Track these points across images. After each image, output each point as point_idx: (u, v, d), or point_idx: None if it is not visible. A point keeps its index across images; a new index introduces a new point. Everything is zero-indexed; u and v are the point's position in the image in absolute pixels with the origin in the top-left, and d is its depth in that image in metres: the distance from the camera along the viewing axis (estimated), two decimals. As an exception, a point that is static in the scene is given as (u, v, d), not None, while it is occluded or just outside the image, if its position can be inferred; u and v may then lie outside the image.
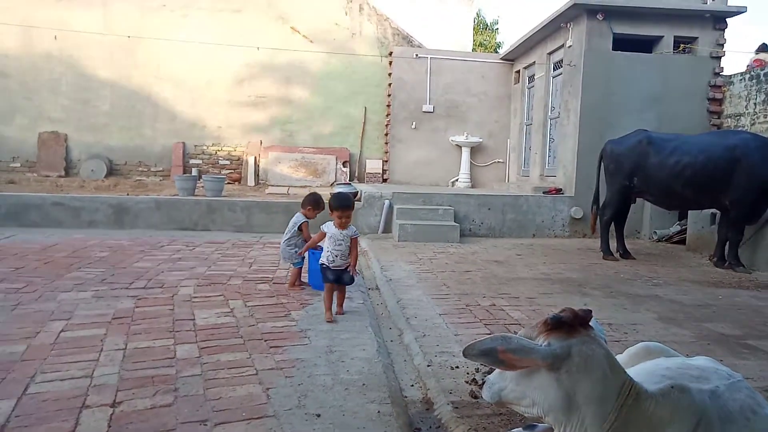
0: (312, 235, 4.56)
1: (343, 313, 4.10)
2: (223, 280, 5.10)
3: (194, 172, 12.16)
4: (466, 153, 12.41)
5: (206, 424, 2.37)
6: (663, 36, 9.29)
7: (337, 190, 9.47)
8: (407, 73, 12.46)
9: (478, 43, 24.32)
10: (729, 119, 9.22)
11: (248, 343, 3.41)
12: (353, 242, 4.13)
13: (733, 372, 1.97)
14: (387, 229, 8.74)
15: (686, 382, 1.79)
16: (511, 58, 12.52)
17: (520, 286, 5.44)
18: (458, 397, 2.80)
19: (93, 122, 12.38)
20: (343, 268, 4.09)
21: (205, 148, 12.75)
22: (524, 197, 9.24)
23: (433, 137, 12.58)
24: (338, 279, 4.09)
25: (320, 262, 4.13)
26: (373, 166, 12.94)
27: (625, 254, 7.35)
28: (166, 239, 7.33)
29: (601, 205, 7.58)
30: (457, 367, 3.20)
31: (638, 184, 7.13)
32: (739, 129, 8.74)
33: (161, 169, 12.62)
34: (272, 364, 3.06)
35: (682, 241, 8.38)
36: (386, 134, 12.83)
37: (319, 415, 2.49)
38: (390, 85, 12.64)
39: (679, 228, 8.70)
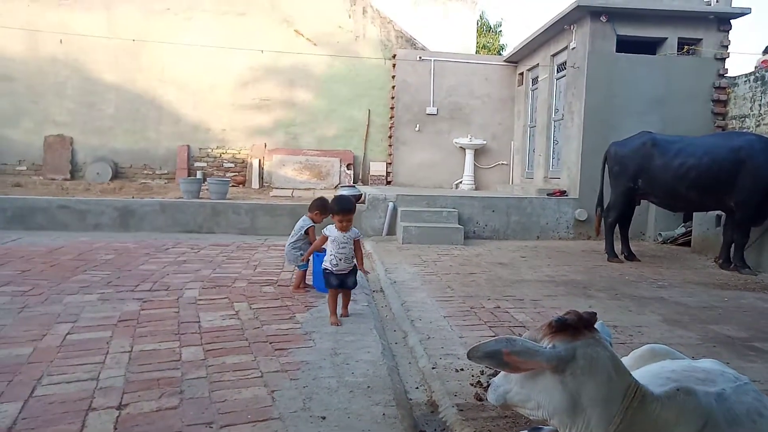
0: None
1: (348, 315, 4.09)
2: (228, 282, 5.11)
3: (199, 174, 12.19)
4: (469, 155, 12.40)
5: (212, 427, 2.38)
6: (667, 38, 9.28)
7: (341, 192, 9.48)
8: (411, 76, 12.47)
9: (481, 46, 24.33)
10: (733, 121, 9.19)
11: (253, 345, 3.41)
12: (356, 243, 4.11)
13: (739, 375, 1.97)
14: (391, 231, 8.75)
15: (692, 385, 1.79)
16: (514, 60, 12.52)
17: (524, 288, 5.44)
18: (463, 399, 2.80)
19: (98, 125, 12.43)
20: (347, 271, 4.05)
21: (209, 150, 12.78)
22: (528, 199, 9.23)
23: (436, 139, 12.58)
24: (342, 283, 4.05)
25: (323, 266, 4.08)
26: (377, 168, 12.95)
27: (630, 256, 7.33)
28: (171, 242, 7.35)
29: (605, 207, 7.56)
30: (462, 369, 3.20)
31: (643, 186, 7.12)
32: (744, 130, 8.72)
33: (166, 171, 12.66)
34: (277, 367, 3.07)
35: (687, 243, 8.36)
36: (390, 137, 12.84)
37: (324, 418, 2.50)
38: (393, 87, 12.65)
39: (684, 230, 8.68)
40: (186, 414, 2.48)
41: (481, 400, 2.77)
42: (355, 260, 4.11)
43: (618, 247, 7.44)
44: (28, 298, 4.28)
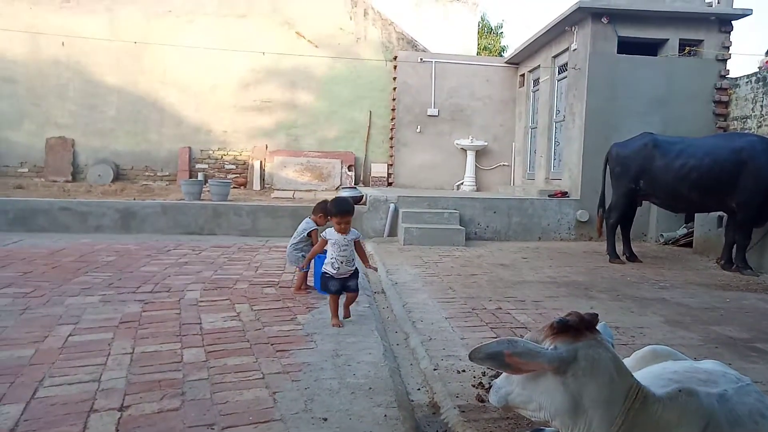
0: None
1: (349, 316, 4.05)
2: (229, 284, 5.12)
3: (200, 176, 12.20)
4: (471, 156, 12.40)
5: (213, 428, 2.38)
6: (668, 39, 9.27)
7: (342, 193, 9.49)
8: (412, 77, 12.48)
9: (482, 47, 24.33)
10: (735, 122, 9.19)
11: (255, 347, 3.41)
12: (357, 244, 4.07)
13: (741, 375, 1.96)
14: (392, 232, 8.75)
15: (694, 386, 1.79)
16: (515, 62, 12.52)
17: (526, 289, 5.43)
18: (465, 401, 2.80)
19: (100, 127, 12.45)
20: (348, 275, 3.99)
21: (210, 152, 12.80)
22: (530, 200, 9.23)
23: (438, 141, 12.58)
24: (343, 287, 3.99)
25: (323, 270, 4.01)
26: (378, 169, 12.95)
27: (632, 257, 7.32)
28: (172, 243, 7.35)
29: (607, 208, 7.56)
30: (464, 370, 3.19)
31: (644, 187, 7.12)
32: (746, 131, 8.72)
33: (167, 173, 12.67)
34: (279, 368, 3.07)
35: (689, 244, 8.35)
36: (391, 138, 12.84)
37: (325, 419, 2.49)
38: (395, 89, 12.66)
39: (685, 231, 8.67)
40: (187, 415, 2.48)
41: (482, 401, 2.77)
42: (356, 263, 4.05)
43: (619, 248, 7.43)
44: (30, 300, 4.29)
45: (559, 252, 7.92)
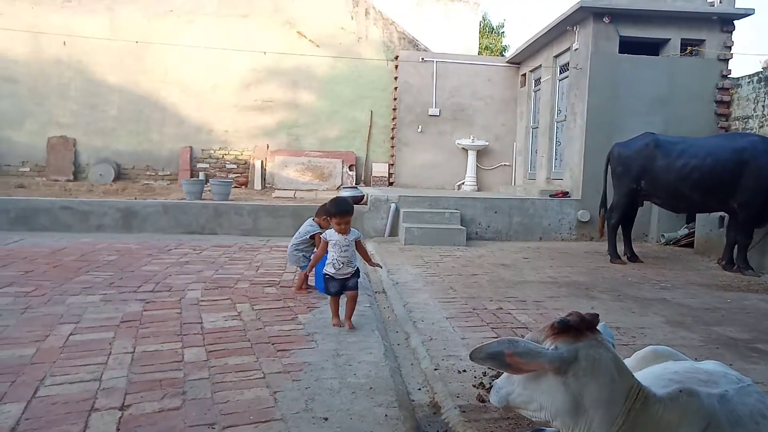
0: None
1: (352, 328, 3.84)
2: (230, 283, 5.12)
3: (201, 176, 12.21)
4: (472, 156, 12.40)
5: (214, 428, 2.38)
6: (670, 38, 9.26)
7: (343, 193, 9.48)
8: (413, 77, 12.48)
9: (484, 47, 24.32)
10: (737, 122, 9.18)
11: (255, 346, 3.42)
12: (358, 244, 4.03)
13: (742, 376, 1.96)
14: (393, 232, 8.75)
15: (695, 386, 1.79)
16: (517, 62, 12.51)
17: (527, 289, 5.43)
18: (465, 401, 2.80)
19: (101, 127, 12.46)
20: (349, 275, 3.93)
21: (212, 152, 12.80)
22: (531, 200, 9.23)
23: (439, 140, 12.58)
24: (343, 287, 3.92)
25: (324, 271, 3.95)
26: (380, 169, 12.95)
27: (633, 257, 7.32)
28: (173, 243, 7.36)
29: (608, 208, 7.55)
30: (465, 370, 3.19)
31: (646, 187, 7.11)
32: (748, 131, 8.70)
33: (169, 173, 12.68)
34: (279, 368, 3.07)
35: (690, 245, 8.34)
36: (392, 138, 12.85)
37: (326, 419, 2.50)
38: (396, 88, 12.66)
39: (687, 231, 8.66)
40: (188, 415, 2.48)
41: (483, 401, 2.77)
42: (357, 264, 4.00)
43: (621, 248, 7.42)
44: (31, 299, 4.29)
45: (560, 252, 7.91)
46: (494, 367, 1.85)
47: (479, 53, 20.09)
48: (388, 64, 12.91)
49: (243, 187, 12.46)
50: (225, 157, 12.83)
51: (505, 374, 1.98)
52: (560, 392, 1.75)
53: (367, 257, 4.17)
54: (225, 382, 2.85)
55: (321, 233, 4.76)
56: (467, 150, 12.43)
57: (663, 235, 8.95)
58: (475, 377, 3.09)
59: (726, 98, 9.27)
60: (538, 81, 11.68)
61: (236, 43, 12.32)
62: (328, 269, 3.92)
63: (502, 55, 20.93)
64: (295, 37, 12.67)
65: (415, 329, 4.00)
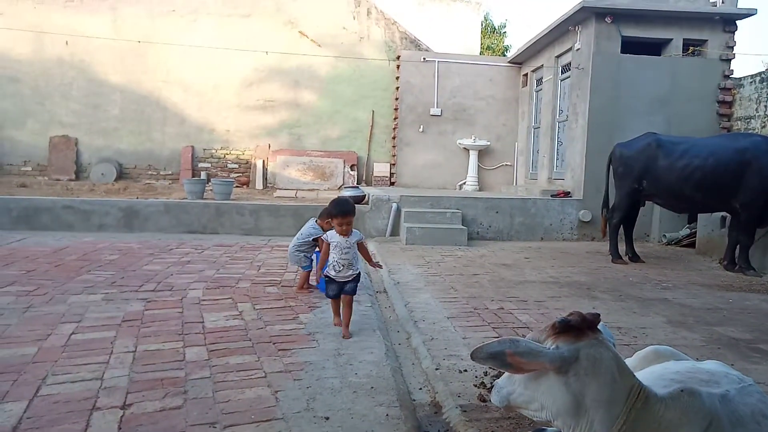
0: None
1: (350, 337, 3.68)
2: (231, 283, 5.12)
3: (203, 175, 12.23)
4: (473, 156, 12.39)
5: (215, 427, 2.38)
6: (672, 39, 9.25)
7: (344, 193, 9.49)
8: (415, 77, 12.48)
9: (485, 47, 24.31)
10: (739, 122, 9.16)
11: (257, 346, 3.42)
12: (360, 246, 3.91)
13: (743, 376, 1.96)
14: (394, 232, 8.75)
15: (696, 386, 1.78)
16: (519, 62, 12.51)
17: (528, 289, 5.43)
18: (467, 400, 2.80)
19: (103, 126, 12.48)
20: (351, 278, 3.80)
21: (213, 151, 12.82)
22: (532, 200, 9.22)
23: (440, 140, 12.58)
24: (341, 290, 3.80)
25: (325, 273, 3.83)
26: (381, 169, 12.96)
27: (634, 257, 7.31)
28: (175, 242, 7.37)
29: (610, 208, 7.54)
30: (466, 370, 3.19)
31: (647, 187, 7.10)
32: (750, 132, 8.69)
33: (170, 172, 12.70)
34: (281, 367, 3.07)
35: (692, 245, 8.33)
36: (394, 138, 12.85)
37: (327, 418, 2.50)
38: (398, 88, 12.66)
39: (688, 231, 8.64)
40: (190, 414, 2.49)
41: (484, 401, 2.77)
42: (359, 267, 3.87)
43: (622, 248, 7.42)
44: (33, 298, 4.30)
45: (561, 252, 7.91)
46: (495, 367, 1.85)
47: (481, 53, 20.09)
48: (389, 64, 12.92)
49: (244, 186, 12.47)
50: (227, 156, 12.85)
51: (506, 374, 1.98)
52: (561, 392, 1.75)
53: (369, 258, 4.13)
54: (226, 382, 2.85)
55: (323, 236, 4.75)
56: (469, 150, 12.43)
57: (665, 235, 8.94)
58: (476, 377, 3.09)
59: (728, 98, 9.25)
60: (539, 81, 11.67)
61: (238, 43, 12.33)
62: (329, 272, 3.80)
63: (504, 55, 20.92)
64: (297, 36, 12.68)
65: (416, 329, 4.00)
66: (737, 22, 9.29)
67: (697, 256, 7.80)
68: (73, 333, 3.53)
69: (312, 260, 4.84)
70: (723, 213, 7.30)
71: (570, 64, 9.92)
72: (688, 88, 9.16)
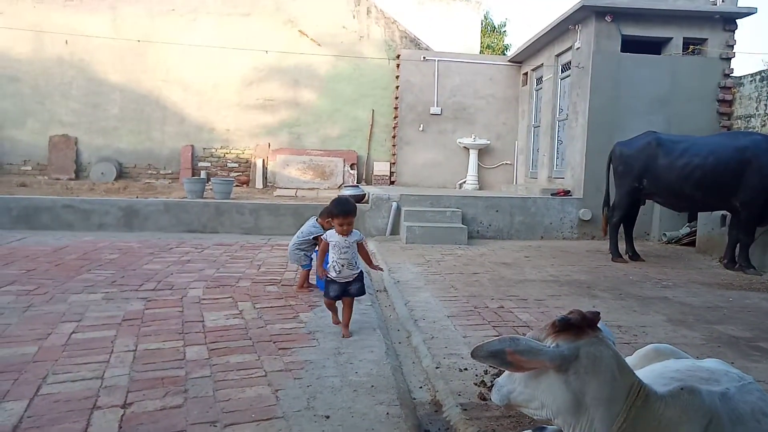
0: None
1: (350, 336, 3.65)
2: (231, 282, 5.12)
3: (203, 174, 12.23)
4: (473, 155, 12.39)
5: (216, 425, 2.38)
6: (672, 37, 9.25)
7: (344, 192, 9.49)
8: (415, 76, 12.48)
9: (485, 46, 24.30)
10: (739, 121, 9.16)
11: (257, 344, 3.42)
12: (360, 246, 3.82)
13: (743, 374, 1.96)
14: (394, 231, 8.75)
15: (696, 384, 1.79)
16: (518, 60, 12.50)
17: (528, 288, 5.43)
18: (467, 399, 2.80)
19: (103, 125, 12.48)
20: (351, 279, 3.72)
21: (213, 151, 12.82)
22: (532, 199, 9.22)
23: (440, 139, 12.58)
24: (343, 292, 3.72)
25: (326, 273, 3.75)
26: (381, 168, 12.96)
27: (634, 256, 7.31)
28: (175, 241, 7.37)
29: (610, 206, 7.55)
30: (466, 369, 3.19)
31: (647, 185, 7.10)
32: (750, 130, 8.69)
33: (170, 171, 12.70)
34: (281, 366, 3.08)
35: (692, 243, 8.33)
36: (394, 137, 12.85)
37: (328, 417, 2.50)
38: (397, 87, 12.66)
39: (688, 230, 8.65)
40: (190, 413, 2.49)
41: (484, 399, 2.77)
42: (359, 267, 3.79)
43: (622, 247, 7.42)
44: (33, 298, 4.30)
45: (561, 251, 7.91)
46: (496, 365, 1.86)
47: (481, 52, 20.08)
48: (389, 62, 12.91)
49: (244, 185, 12.48)
50: (226, 155, 12.85)
51: (506, 372, 1.98)
52: (561, 390, 1.75)
53: (368, 260, 4.02)
54: (227, 380, 2.85)
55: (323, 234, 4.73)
56: (469, 149, 12.43)
57: (665, 234, 8.94)
58: (476, 375, 3.09)
59: (728, 97, 9.25)
60: (539, 80, 11.67)
61: (238, 42, 12.33)
62: (329, 272, 3.72)
63: (504, 54, 20.91)
64: (296, 35, 12.68)
65: (417, 328, 4.00)
66: (737, 20, 9.29)
67: (697, 255, 7.80)
68: (73, 332, 3.53)
69: (312, 259, 4.84)
70: (723, 211, 7.30)
71: (570, 62, 9.92)
72: (688, 86, 9.16)
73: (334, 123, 12.97)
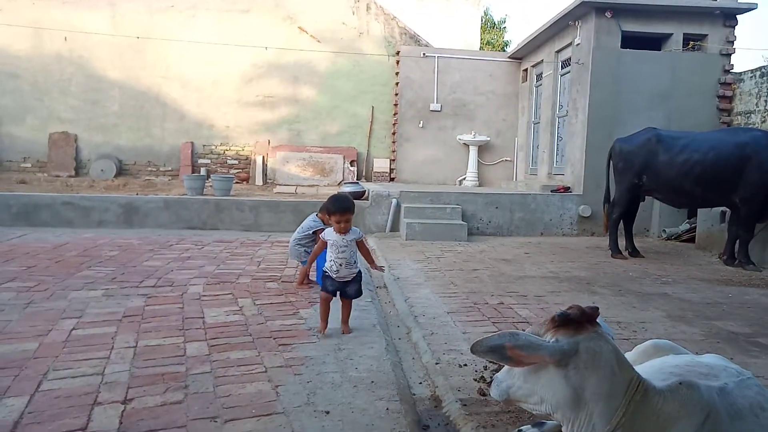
0: None
1: (350, 332, 3.62)
2: (231, 278, 5.13)
3: (203, 171, 12.23)
4: (473, 151, 12.39)
5: (216, 421, 2.39)
6: (672, 33, 9.23)
7: (344, 189, 9.49)
8: (415, 72, 12.46)
9: (485, 42, 24.27)
10: (739, 117, 9.15)
11: (257, 341, 3.42)
12: (361, 245, 3.72)
13: (742, 369, 1.97)
14: (394, 227, 8.75)
15: (695, 379, 1.79)
16: (518, 57, 12.49)
17: (528, 284, 5.43)
18: (466, 394, 2.81)
19: (102, 122, 12.48)
20: (349, 279, 3.62)
21: (213, 147, 12.81)
22: (532, 196, 9.22)
23: (440, 136, 12.57)
24: (341, 291, 3.64)
25: (324, 269, 3.67)
26: (381, 165, 12.96)
27: (634, 252, 7.32)
28: (175, 238, 7.37)
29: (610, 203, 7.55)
30: (466, 364, 3.20)
31: (647, 182, 7.10)
32: (750, 126, 8.68)
33: (170, 168, 12.70)
34: (281, 362, 3.08)
35: (692, 240, 8.33)
36: (393, 133, 12.84)
37: (328, 412, 2.50)
38: (397, 84, 12.64)
39: (688, 226, 8.65)
40: (191, 408, 2.49)
41: (484, 395, 2.77)
42: (358, 266, 3.69)
43: (622, 243, 7.42)
44: (34, 294, 4.30)
45: (561, 247, 7.91)
46: (495, 360, 1.86)
47: (481, 48, 20.06)
48: (389, 59, 12.90)
49: (244, 182, 12.47)
50: (226, 152, 12.84)
51: (505, 368, 1.98)
52: (561, 385, 1.76)
53: (370, 259, 3.86)
54: (227, 376, 2.86)
55: (324, 229, 4.72)
56: (468, 145, 12.42)
57: (664, 230, 8.95)
58: (476, 371, 3.10)
59: (728, 93, 9.24)
60: (539, 76, 11.66)
61: (237, 39, 12.31)
62: (326, 269, 3.63)
63: (504, 51, 20.88)
64: (296, 32, 12.66)
65: (416, 324, 4.01)
66: (737, 16, 9.27)
67: (696, 251, 7.81)
68: (73, 328, 3.54)
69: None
70: (723, 208, 7.30)
71: (570, 59, 9.91)
72: (688, 82, 9.15)
73: (333, 120, 12.96)
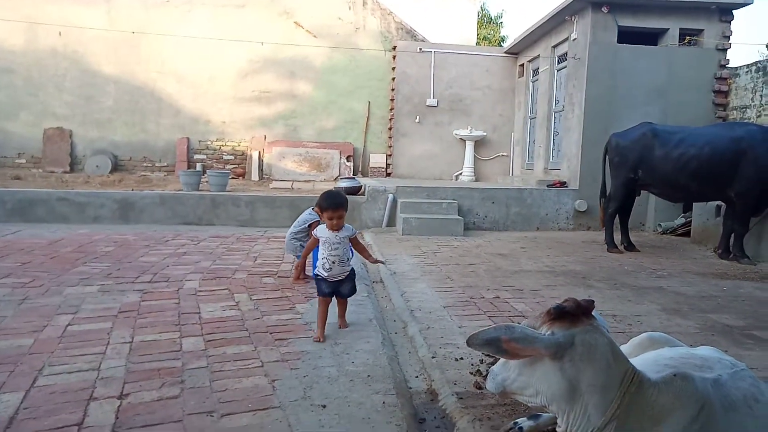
0: None
1: (346, 326, 3.63)
2: (228, 273, 5.12)
3: (198, 167, 12.19)
4: (470, 147, 12.38)
5: (213, 416, 2.39)
6: (668, 28, 9.24)
7: (340, 184, 9.48)
8: (411, 67, 12.44)
9: (482, 37, 24.22)
10: (735, 111, 9.17)
11: (254, 335, 3.43)
12: (354, 241, 3.66)
13: (736, 361, 1.98)
14: (391, 222, 8.75)
15: (689, 371, 1.80)
16: (515, 52, 12.48)
17: (524, 278, 5.45)
18: (462, 387, 2.82)
19: (97, 118, 12.41)
20: (342, 278, 3.55)
21: (209, 143, 12.77)
22: (528, 190, 9.23)
23: (437, 131, 12.56)
24: (335, 291, 3.58)
25: (315, 273, 3.61)
26: (377, 160, 12.94)
27: (630, 247, 7.34)
28: (170, 234, 7.36)
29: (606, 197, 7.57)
30: (462, 358, 3.21)
31: (643, 176, 7.11)
32: (745, 121, 8.70)
33: (166, 164, 12.66)
34: (277, 357, 3.08)
35: (687, 234, 8.36)
36: (390, 128, 12.82)
37: (324, 406, 2.51)
38: (394, 79, 12.62)
39: (683, 220, 8.68)
40: (187, 403, 2.49)
41: (480, 388, 2.78)
42: (351, 264, 3.63)
43: (617, 237, 7.44)
44: (29, 290, 4.29)
45: (557, 241, 7.93)
46: (491, 353, 1.87)
47: (477, 44, 20.01)
48: (385, 54, 12.86)
49: (240, 178, 12.45)
50: (222, 148, 12.80)
51: (501, 361, 1.99)
52: (556, 377, 1.77)
53: (366, 254, 3.81)
54: (223, 371, 2.86)
55: (320, 221, 4.72)
56: (465, 140, 12.41)
57: (660, 225, 8.97)
58: (472, 365, 3.11)
59: (724, 88, 9.26)
60: (536, 71, 11.65)
61: (233, 34, 12.25)
62: (319, 270, 3.54)
63: (501, 46, 20.85)
64: (292, 27, 12.61)
65: (413, 318, 4.02)
66: (733, 11, 9.28)
67: (692, 245, 7.84)
68: (69, 324, 3.53)
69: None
70: (718, 202, 7.33)
71: (566, 54, 9.91)
72: (685, 77, 9.16)
73: (330, 115, 12.93)
